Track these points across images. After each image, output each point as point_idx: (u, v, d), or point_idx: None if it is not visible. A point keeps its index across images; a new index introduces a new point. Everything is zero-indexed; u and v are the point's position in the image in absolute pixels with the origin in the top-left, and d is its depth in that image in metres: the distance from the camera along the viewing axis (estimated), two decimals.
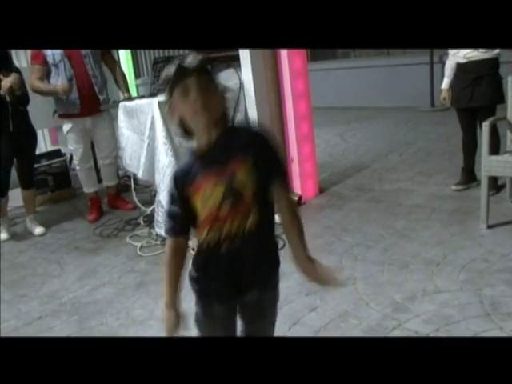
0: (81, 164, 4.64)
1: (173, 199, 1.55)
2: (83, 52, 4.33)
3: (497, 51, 3.89)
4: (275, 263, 1.71)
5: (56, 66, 4.29)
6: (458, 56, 3.99)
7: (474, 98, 3.94)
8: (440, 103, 4.62)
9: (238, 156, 1.45)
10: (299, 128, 4.31)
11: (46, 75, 4.35)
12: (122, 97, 4.63)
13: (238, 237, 1.49)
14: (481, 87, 3.90)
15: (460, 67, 4.02)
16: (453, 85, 4.15)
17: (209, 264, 1.57)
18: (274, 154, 1.52)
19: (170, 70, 1.44)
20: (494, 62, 3.92)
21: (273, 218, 1.59)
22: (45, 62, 4.27)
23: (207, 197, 1.46)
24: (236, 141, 1.48)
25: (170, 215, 1.56)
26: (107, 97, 4.58)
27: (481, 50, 3.82)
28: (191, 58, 1.44)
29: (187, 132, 1.53)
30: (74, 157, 4.71)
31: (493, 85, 3.90)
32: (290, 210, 1.58)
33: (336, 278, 1.59)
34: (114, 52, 6.29)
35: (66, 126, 4.51)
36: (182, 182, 1.51)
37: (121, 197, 4.98)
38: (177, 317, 1.57)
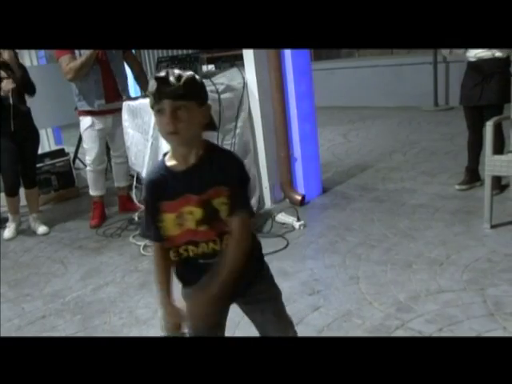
0: (93, 164, 4.54)
1: (149, 206, 1.58)
2: (107, 50, 4.31)
3: (508, 50, 3.86)
4: (257, 274, 1.69)
5: None
6: (469, 55, 3.98)
7: (484, 95, 3.91)
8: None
9: (215, 186, 1.48)
10: (303, 127, 4.31)
11: None
12: (141, 95, 4.58)
13: (213, 255, 1.55)
14: (490, 85, 3.89)
15: (470, 66, 4.01)
16: (463, 83, 4.13)
17: (186, 275, 1.63)
18: (242, 189, 1.54)
19: (152, 84, 1.44)
20: (504, 61, 3.89)
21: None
22: (72, 53, 4.21)
23: (183, 220, 1.52)
24: (213, 170, 1.49)
25: (150, 221, 1.58)
26: (128, 96, 4.54)
27: (493, 49, 3.80)
28: (174, 76, 1.43)
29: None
30: (87, 156, 4.58)
31: (503, 83, 3.88)
32: (237, 240, 1.52)
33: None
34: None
35: (85, 123, 4.44)
36: (156, 193, 1.54)
37: (132, 199, 4.85)
38: (177, 312, 1.59)
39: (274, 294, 1.76)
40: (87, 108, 4.39)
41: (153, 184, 1.56)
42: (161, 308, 1.65)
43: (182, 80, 1.43)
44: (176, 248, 1.59)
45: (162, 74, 1.44)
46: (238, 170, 1.53)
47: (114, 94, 4.40)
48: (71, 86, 4.41)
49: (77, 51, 4.21)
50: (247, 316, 1.75)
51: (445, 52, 4.37)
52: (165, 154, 1.58)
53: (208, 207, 1.49)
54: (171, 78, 1.42)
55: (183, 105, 1.43)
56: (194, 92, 1.47)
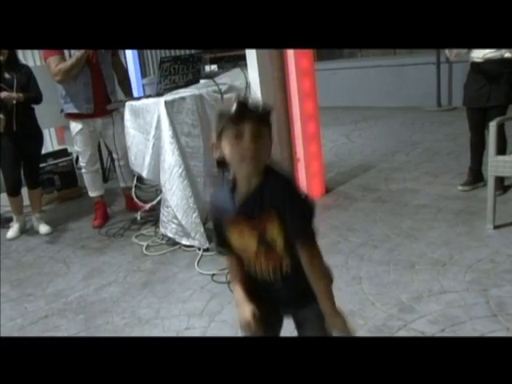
0: (87, 166, 4.55)
1: (215, 224, 1.61)
2: (98, 51, 4.28)
3: None
4: (309, 298, 1.65)
5: None
6: (475, 56, 3.95)
7: (493, 96, 3.88)
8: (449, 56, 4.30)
9: (269, 212, 1.46)
10: (305, 127, 4.31)
11: None
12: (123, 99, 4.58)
13: (274, 277, 1.57)
14: (499, 86, 3.85)
15: (476, 66, 3.96)
16: (466, 84, 4.11)
17: (250, 286, 1.64)
18: (299, 214, 1.51)
19: (227, 106, 1.42)
20: (510, 62, 3.88)
21: None
22: (62, 53, 4.17)
23: (244, 242, 1.55)
24: (268, 194, 1.47)
25: (218, 236, 1.62)
26: (117, 98, 4.52)
27: (503, 50, 3.77)
28: (253, 103, 1.44)
29: (220, 165, 1.52)
30: (81, 159, 4.60)
31: (510, 84, 3.86)
32: (312, 271, 1.55)
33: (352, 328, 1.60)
34: (121, 52, 6.27)
35: (75, 127, 4.41)
36: (220, 214, 1.57)
37: (139, 198, 4.85)
38: (252, 310, 1.58)
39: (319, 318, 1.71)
40: (74, 111, 4.34)
41: (216, 204, 1.60)
42: (236, 306, 1.65)
43: (261, 105, 1.44)
44: (243, 259, 1.62)
45: (239, 98, 1.43)
46: (287, 191, 1.48)
47: (103, 97, 4.36)
48: (57, 87, 4.37)
49: (66, 52, 4.17)
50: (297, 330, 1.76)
51: (449, 53, 4.33)
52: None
53: (263, 235, 1.50)
54: (250, 102, 1.43)
55: (262, 130, 1.43)
56: (269, 118, 1.46)
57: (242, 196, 1.51)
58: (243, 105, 1.41)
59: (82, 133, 4.42)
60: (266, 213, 1.47)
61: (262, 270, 1.58)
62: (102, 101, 4.34)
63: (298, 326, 1.72)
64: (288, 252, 1.52)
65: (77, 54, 4.11)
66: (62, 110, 4.53)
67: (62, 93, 4.35)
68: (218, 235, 1.61)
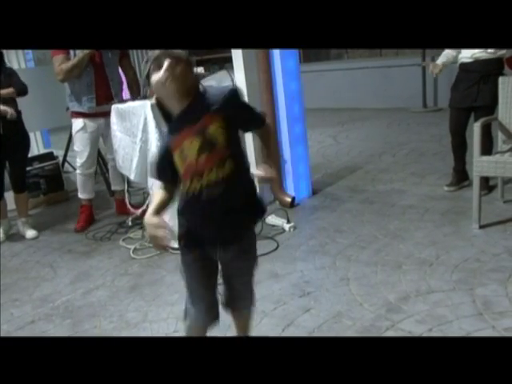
0: (82, 168, 4.49)
1: (160, 155, 1.79)
2: (103, 53, 4.26)
3: (503, 51, 3.86)
4: (256, 209, 1.89)
5: None
6: (464, 56, 3.97)
7: (480, 96, 3.90)
8: (431, 69, 4.36)
9: (209, 112, 1.66)
10: (292, 129, 4.31)
11: None
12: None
13: (217, 184, 1.69)
14: (487, 86, 3.86)
15: (465, 67, 3.98)
16: (454, 86, 4.13)
17: (192, 212, 1.81)
18: (244, 107, 1.77)
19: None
20: (499, 62, 3.89)
21: (247, 164, 1.80)
22: (67, 53, 4.17)
23: (185, 152, 1.69)
24: (206, 100, 1.68)
25: (160, 169, 1.80)
26: (121, 100, 4.44)
27: (489, 50, 3.79)
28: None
29: (166, 114, 1.75)
30: (78, 158, 4.51)
31: (497, 84, 3.87)
32: (269, 134, 1.95)
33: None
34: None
35: (77, 125, 4.39)
36: (166, 141, 1.77)
37: (129, 202, 4.82)
38: (162, 222, 1.73)
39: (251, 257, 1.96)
40: (78, 109, 4.35)
41: (163, 138, 1.84)
42: (150, 218, 1.77)
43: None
44: (184, 186, 1.75)
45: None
46: (230, 93, 1.70)
47: (106, 97, 4.34)
48: (64, 85, 4.38)
49: (72, 52, 4.18)
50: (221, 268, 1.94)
51: (426, 63, 4.36)
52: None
53: (205, 135, 1.65)
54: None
55: (178, 62, 1.67)
56: (183, 56, 1.70)
57: (178, 112, 1.69)
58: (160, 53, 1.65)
59: (83, 132, 4.39)
60: (207, 113, 1.66)
61: (205, 180, 1.69)
62: (105, 101, 4.31)
63: (224, 264, 1.91)
64: (229, 151, 1.69)
65: (79, 54, 4.12)
66: (67, 108, 4.50)
67: (67, 91, 4.36)
68: (166, 168, 1.75)
